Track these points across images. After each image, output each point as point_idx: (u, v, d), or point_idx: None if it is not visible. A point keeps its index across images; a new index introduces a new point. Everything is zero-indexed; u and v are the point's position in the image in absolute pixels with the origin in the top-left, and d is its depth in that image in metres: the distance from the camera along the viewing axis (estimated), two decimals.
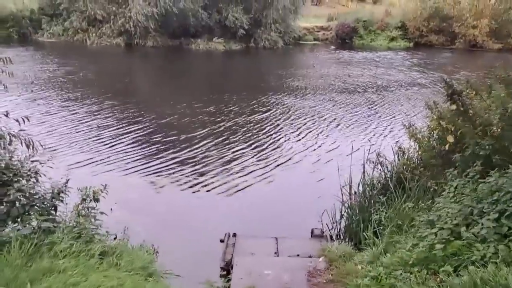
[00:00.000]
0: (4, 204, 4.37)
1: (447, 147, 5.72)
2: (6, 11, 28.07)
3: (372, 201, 6.63)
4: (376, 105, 15.11)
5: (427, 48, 31.21)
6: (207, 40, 27.94)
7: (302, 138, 11.43)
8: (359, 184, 7.15)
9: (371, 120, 13.21)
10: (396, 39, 32.49)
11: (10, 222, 4.36)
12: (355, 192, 7.21)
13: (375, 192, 6.79)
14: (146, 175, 8.80)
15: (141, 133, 11.16)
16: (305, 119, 13.07)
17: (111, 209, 5.95)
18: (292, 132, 11.84)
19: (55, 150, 9.53)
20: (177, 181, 8.65)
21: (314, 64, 23.71)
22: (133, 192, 8.09)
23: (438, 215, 4.67)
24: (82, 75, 18.26)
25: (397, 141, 9.35)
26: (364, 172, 7.17)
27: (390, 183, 6.75)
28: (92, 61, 22.71)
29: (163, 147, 10.30)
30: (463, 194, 4.79)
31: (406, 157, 6.96)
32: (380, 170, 7.19)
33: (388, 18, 33.52)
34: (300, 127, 12.26)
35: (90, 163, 9.15)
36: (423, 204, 5.56)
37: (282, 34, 29.71)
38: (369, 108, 14.69)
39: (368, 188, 6.96)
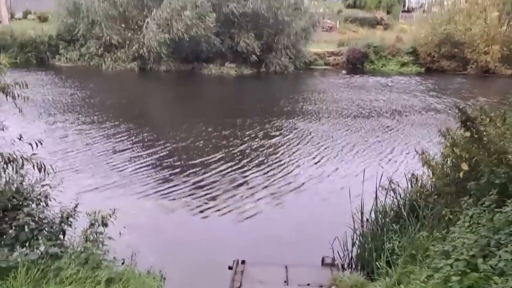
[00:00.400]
0: (13, 228, 4.36)
1: (461, 174, 5.59)
2: (26, 37, 29.04)
3: (385, 229, 6.48)
4: (390, 130, 15.00)
5: (439, 73, 31.17)
6: (219, 65, 28.36)
7: (316, 163, 11.34)
8: (371, 211, 7.01)
9: (385, 146, 13.08)
10: (407, 65, 32.56)
11: (18, 247, 4.33)
12: (367, 219, 7.06)
13: (387, 220, 6.64)
14: (157, 199, 8.78)
15: (155, 157, 11.20)
16: (318, 143, 13.00)
17: (120, 233, 5.91)
18: (306, 157, 11.75)
19: (70, 173, 9.64)
20: (188, 205, 8.61)
21: (327, 89, 23.80)
22: (143, 215, 8.07)
23: (454, 246, 4.52)
24: (99, 99, 18.58)
25: (410, 168, 9.21)
26: (376, 199, 7.04)
27: (403, 210, 6.60)
28: (108, 86, 23.22)
29: (176, 170, 10.30)
30: (479, 224, 4.64)
31: (419, 184, 6.82)
32: (392, 197, 7.05)
33: (399, 43, 33.69)
34: (314, 152, 12.17)
35: (102, 186, 9.19)
36: (437, 234, 5.40)
37: (293, 59, 30.01)
38: (383, 133, 14.58)
39: (380, 216, 6.81)
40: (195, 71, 28.12)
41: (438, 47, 31.98)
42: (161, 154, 11.40)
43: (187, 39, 25.62)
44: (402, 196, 6.99)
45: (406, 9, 50.72)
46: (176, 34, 25.43)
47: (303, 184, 9.85)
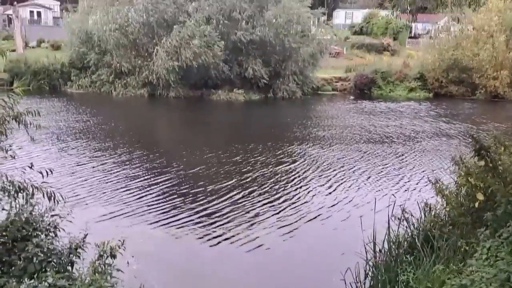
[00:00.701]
0: (22, 259, 4.30)
1: (476, 204, 5.46)
2: (39, 65, 29.80)
3: (399, 260, 6.29)
4: (403, 156, 14.83)
5: (447, 98, 31.18)
6: (227, 91, 28.72)
7: (328, 190, 11.15)
8: (384, 241, 6.83)
9: (397, 173, 12.88)
10: (415, 90, 32.67)
11: (26, 279, 4.26)
12: (380, 250, 6.88)
13: (401, 251, 6.46)
14: (167, 227, 8.66)
15: (168, 184, 11.08)
16: (331, 170, 12.84)
17: (128, 263, 5.82)
18: (318, 184, 11.57)
19: (81, 201, 9.62)
20: (198, 234, 8.47)
21: (337, 114, 23.85)
22: (151, 244, 7.95)
23: (471, 280, 4.36)
24: (111, 125, 18.80)
25: (423, 196, 9.05)
26: (389, 228, 6.88)
27: (417, 241, 6.42)
28: (119, 112, 23.54)
29: (187, 198, 10.17)
30: (498, 257, 4.48)
31: (433, 213, 6.67)
32: (406, 226, 6.89)
33: (406, 69, 33.95)
34: (326, 179, 11.99)
35: (111, 213, 9.12)
36: (454, 266, 5.23)
37: (301, 85, 30.33)
38: (395, 159, 14.40)
39: (393, 246, 6.63)
40: (204, 97, 28.47)
41: (446, 72, 32.15)
42: (173, 181, 11.31)
43: (196, 66, 26.07)
44: (415, 226, 6.82)
45: (412, 35, 51.33)
46: (184, 61, 25.90)
47: (315, 212, 9.64)
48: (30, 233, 4.48)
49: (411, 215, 6.93)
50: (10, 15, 42.16)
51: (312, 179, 12.04)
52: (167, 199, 10.12)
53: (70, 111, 21.95)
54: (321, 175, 12.35)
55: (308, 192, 10.99)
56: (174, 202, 9.92)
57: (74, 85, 29.75)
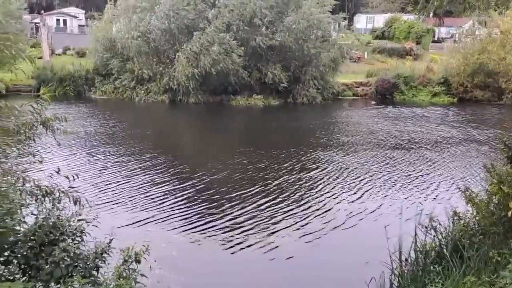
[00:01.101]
0: (49, 264, 4.35)
1: (509, 214, 5.26)
2: (65, 71, 30.52)
3: (426, 270, 6.10)
4: (431, 162, 14.47)
5: (472, 103, 30.42)
6: (247, 97, 28.75)
7: (354, 197, 10.96)
8: (410, 251, 6.65)
9: (425, 180, 12.56)
10: (439, 95, 32.01)
11: (53, 283, 4.31)
12: (406, 259, 6.69)
13: (428, 261, 6.26)
14: (190, 233, 8.67)
15: (192, 190, 11.08)
16: (357, 177, 12.60)
17: (150, 267, 5.83)
18: (345, 192, 11.37)
19: (106, 205, 9.74)
20: (221, 240, 8.45)
21: (361, 120, 23.56)
22: (174, 250, 7.98)
23: None
24: (135, 131, 19.02)
25: (452, 204, 8.80)
26: (415, 237, 6.69)
27: (445, 251, 6.22)
28: (142, 118, 23.89)
29: (212, 204, 10.13)
30: None
31: (462, 222, 6.45)
32: (433, 235, 6.68)
33: (430, 74, 33.29)
34: (353, 186, 11.78)
35: (138, 219, 9.17)
36: (485, 278, 5.04)
37: (321, 90, 30.10)
38: (423, 166, 14.05)
39: (421, 256, 6.44)
40: (223, 102, 28.60)
41: (471, 77, 31.39)
42: (197, 187, 11.30)
43: (214, 72, 26.22)
44: (443, 235, 6.61)
45: (436, 39, 50.43)
46: (203, 68, 26.09)
47: (340, 220, 9.48)
48: (57, 238, 4.53)
49: (439, 224, 6.72)
50: (37, 23, 43.43)
51: (337, 186, 11.86)
52: (191, 204, 10.13)
53: (96, 116, 22.37)
54: (347, 182, 12.15)
55: (334, 200, 10.81)
56: (198, 208, 9.92)
57: (98, 91, 30.34)
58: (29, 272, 4.34)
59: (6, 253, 4.40)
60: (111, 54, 30.35)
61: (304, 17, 27.96)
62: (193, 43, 26.47)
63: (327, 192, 11.29)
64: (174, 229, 8.83)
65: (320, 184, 11.95)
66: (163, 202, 10.19)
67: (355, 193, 11.29)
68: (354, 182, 12.15)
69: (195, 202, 10.25)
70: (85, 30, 48.36)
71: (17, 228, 4.41)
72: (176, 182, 11.65)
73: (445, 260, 6.06)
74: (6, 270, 4.33)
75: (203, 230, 8.80)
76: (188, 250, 8.09)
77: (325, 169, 13.46)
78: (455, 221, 6.63)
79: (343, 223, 9.33)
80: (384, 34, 49.77)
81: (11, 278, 4.28)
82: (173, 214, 9.53)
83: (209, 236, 8.59)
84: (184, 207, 9.93)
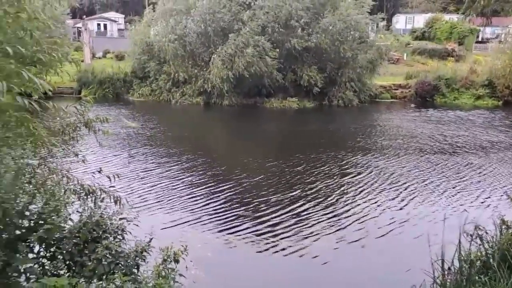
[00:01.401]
0: (92, 261, 4.47)
1: None
2: (105, 74, 31.63)
3: (471, 280, 5.82)
4: (477, 168, 13.86)
5: None
6: (281, 99, 28.69)
7: (396, 203, 10.63)
8: (453, 259, 6.36)
9: (471, 186, 12.04)
10: (482, 98, 30.70)
11: (95, 280, 4.42)
12: (449, 268, 6.41)
13: (473, 270, 5.96)
14: (227, 235, 8.66)
15: (230, 193, 11.08)
16: (399, 183, 12.20)
17: (186, 267, 5.87)
18: (386, 198, 11.01)
19: (146, 205, 9.92)
20: (257, 244, 8.38)
21: (401, 123, 22.91)
22: (211, 251, 8.01)
23: None
24: (174, 132, 19.43)
25: (499, 212, 8.38)
26: (459, 246, 6.39)
27: (492, 260, 5.90)
28: (179, 120, 24.38)
29: (250, 208, 10.07)
30: None
31: (511, 232, 6.10)
32: (479, 244, 6.36)
33: (473, 76, 31.97)
34: (394, 192, 11.40)
35: (176, 220, 9.28)
36: None
37: (358, 92, 29.59)
38: (469, 172, 13.49)
39: (465, 265, 6.14)
40: (257, 105, 28.67)
41: None
42: (235, 190, 11.28)
43: (248, 75, 26.31)
44: (490, 244, 6.28)
45: (480, 39, 48.38)
46: (237, 70, 26.24)
47: (382, 227, 9.18)
48: (100, 235, 4.65)
49: (485, 232, 6.39)
50: (79, 28, 45.28)
51: (379, 191, 11.48)
52: (228, 207, 10.12)
53: (135, 118, 22.97)
54: (390, 188, 11.77)
55: (375, 205, 10.46)
56: (236, 211, 9.89)
57: (136, 93, 31.22)
58: (73, 268, 4.47)
59: (52, 249, 4.57)
60: (148, 57, 31.17)
61: (340, 18, 27.61)
62: (228, 46, 26.71)
63: (369, 198, 10.96)
64: (210, 230, 8.88)
65: (360, 189, 11.65)
66: (201, 204, 10.27)
67: (397, 199, 10.92)
68: (396, 188, 11.78)
69: (232, 205, 10.24)
70: (124, 34, 49.96)
71: (63, 225, 4.55)
72: (214, 184, 11.71)
73: (492, 270, 5.75)
74: (52, 266, 4.50)
75: (239, 233, 8.79)
76: (223, 252, 8.10)
77: (366, 173, 13.12)
78: (503, 230, 6.29)
79: (384, 230, 9.05)
80: (424, 34, 48.30)
81: (57, 273, 4.43)
82: (210, 216, 9.57)
83: (245, 239, 8.57)
84: (221, 210, 9.95)
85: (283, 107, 28.08)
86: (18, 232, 4.20)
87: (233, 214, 9.71)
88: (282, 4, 27.29)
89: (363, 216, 9.74)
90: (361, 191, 11.46)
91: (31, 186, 4.79)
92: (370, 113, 27.80)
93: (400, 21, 55.99)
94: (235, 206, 10.18)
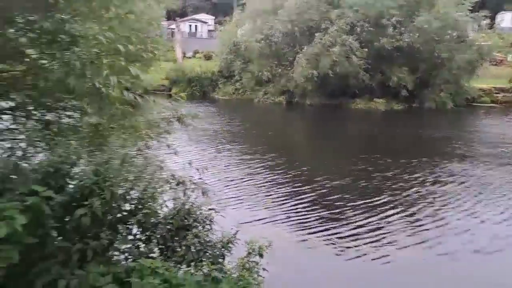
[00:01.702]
0: (181, 247, 4.70)
1: None
2: (194, 73, 33.29)
3: None
4: None
5: None
6: (367, 100, 27.73)
7: (501, 219, 9.57)
8: None
9: None
10: None
11: (184, 266, 4.64)
12: None
13: None
14: (309, 236, 8.56)
15: (313, 194, 10.90)
16: (505, 195, 11.02)
17: (267, 263, 5.92)
18: (489, 211, 9.99)
19: (230, 200, 10.16)
20: (337, 247, 8.17)
21: (506, 130, 20.76)
22: (291, 250, 7.98)
23: None
24: (258, 131, 19.79)
25: None
26: None
27: None
28: (262, 118, 24.84)
29: (333, 211, 9.83)
30: None
31: None
32: None
33: None
34: (499, 206, 10.30)
35: (257, 216, 9.37)
36: None
37: (453, 95, 27.47)
38: None
39: None
40: (341, 105, 28.00)
41: None
42: (319, 192, 11.09)
43: (332, 74, 25.82)
44: None
45: None
46: (321, 69, 25.90)
47: (481, 241, 8.41)
48: (190, 224, 4.88)
49: None
50: (172, 29, 48.11)
51: (478, 203, 10.51)
52: (311, 208, 9.97)
53: (222, 115, 23.85)
54: (491, 200, 10.71)
55: (474, 218, 9.60)
56: (318, 213, 9.71)
57: (221, 91, 32.40)
58: (166, 253, 4.74)
59: (147, 233, 4.89)
60: (234, 56, 32.15)
61: (437, 17, 25.88)
62: (314, 45, 26.50)
63: (466, 209, 10.06)
64: (291, 229, 8.84)
65: (457, 199, 10.75)
66: (282, 203, 10.26)
67: (501, 212, 9.85)
68: (499, 200, 10.63)
69: (316, 206, 10.06)
70: (213, 34, 52.07)
71: (159, 211, 4.86)
72: (297, 184, 11.62)
73: None
74: (146, 248, 4.82)
75: (319, 233, 8.64)
76: (303, 252, 8.02)
77: (463, 183, 12.09)
78: None
79: (485, 246, 8.20)
80: None
81: (150, 256, 4.73)
82: (292, 216, 9.51)
83: (326, 241, 8.39)
84: (304, 210, 9.83)
85: (369, 108, 27.10)
86: (119, 215, 4.57)
87: (315, 215, 9.56)
88: (373, 2, 26.34)
89: (459, 229, 8.97)
90: (458, 201, 10.58)
91: (131, 174, 5.18)
92: (466, 117, 25.63)
93: (506, 19, 50.70)
94: (317, 207, 10.00)
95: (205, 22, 58.82)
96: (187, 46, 45.09)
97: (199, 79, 33.21)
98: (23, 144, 4.76)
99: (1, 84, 5.91)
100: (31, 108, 6.24)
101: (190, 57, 42.98)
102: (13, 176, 3.80)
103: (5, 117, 5.15)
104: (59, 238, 3.99)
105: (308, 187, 11.36)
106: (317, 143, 18.83)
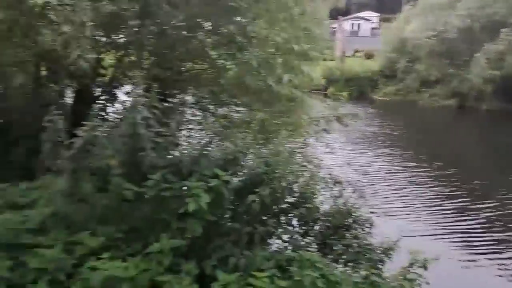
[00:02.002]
0: (339, 246, 4.69)
1: None
2: (352, 73, 32.68)
3: None
4: None
5: None
6: None
7: None
8: None
9: None
10: None
11: (340, 266, 4.62)
12: None
13: None
14: (478, 255, 7.75)
15: (490, 212, 9.77)
16: None
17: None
18: None
19: (390, 208, 9.66)
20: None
21: None
22: (456, 269, 7.26)
23: None
24: (425, 137, 18.43)
25: None
26: None
27: None
28: (429, 123, 23.01)
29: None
30: None
31: None
32: None
33: None
34: None
35: (421, 229, 8.77)
36: None
37: None
38: None
39: None
40: None
41: None
42: (497, 210, 9.85)
43: None
44: None
45: None
46: (506, 70, 22.42)
47: None
48: (349, 224, 4.83)
49: None
50: (334, 28, 48.03)
51: None
52: (486, 228, 8.93)
53: (380, 117, 22.84)
54: None
55: None
56: (492, 234, 8.64)
57: (380, 92, 31.01)
58: (324, 249, 4.79)
59: (305, 227, 5.03)
60: (398, 54, 30.37)
61: None
62: (499, 42, 23.11)
63: None
64: (459, 248, 8.03)
65: None
66: (451, 219, 9.38)
67: None
68: None
69: (489, 225, 8.95)
70: (376, 32, 50.18)
71: (319, 207, 4.94)
72: (468, 200, 10.47)
73: None
74: (303, 242, 4.96)
75: (493, 257, 7.61)
76: (471, 273, 7.18)
77: None
78: None
79: None
80: None
81: (308, 249, 4.85)
82: (461, 234, 8.63)
83: (499, 265, 7.36)
84: (476, 229, 8.84)
85: None
86: (283, 206, 4.81)
87: (488, 235, 8.43)
88: None
89: None
90: None
91: (295, 168, 5.39)
92: None
93: None
94: (494, 228, 8.80)
95: (369, 20, 57.15)
96: (348, 45, 44.51)
97: (358, 79, 32.44)
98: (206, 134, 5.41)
99: (185, 81, 6.85)
100: (206, 101, 7.06)
101: (349, 57, 42.38)
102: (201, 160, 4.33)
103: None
104: (231, 219, 4.42)
105: (483, 204, 10.09)
106: (495, 156, 16.53)
